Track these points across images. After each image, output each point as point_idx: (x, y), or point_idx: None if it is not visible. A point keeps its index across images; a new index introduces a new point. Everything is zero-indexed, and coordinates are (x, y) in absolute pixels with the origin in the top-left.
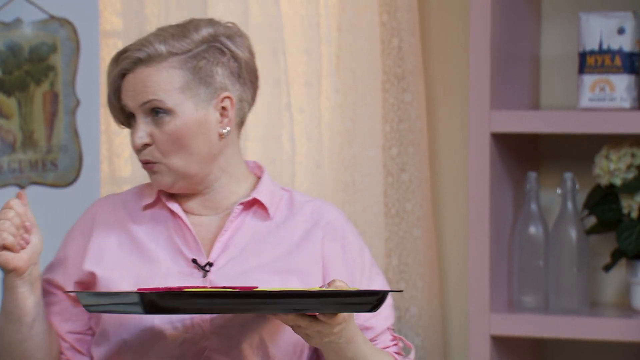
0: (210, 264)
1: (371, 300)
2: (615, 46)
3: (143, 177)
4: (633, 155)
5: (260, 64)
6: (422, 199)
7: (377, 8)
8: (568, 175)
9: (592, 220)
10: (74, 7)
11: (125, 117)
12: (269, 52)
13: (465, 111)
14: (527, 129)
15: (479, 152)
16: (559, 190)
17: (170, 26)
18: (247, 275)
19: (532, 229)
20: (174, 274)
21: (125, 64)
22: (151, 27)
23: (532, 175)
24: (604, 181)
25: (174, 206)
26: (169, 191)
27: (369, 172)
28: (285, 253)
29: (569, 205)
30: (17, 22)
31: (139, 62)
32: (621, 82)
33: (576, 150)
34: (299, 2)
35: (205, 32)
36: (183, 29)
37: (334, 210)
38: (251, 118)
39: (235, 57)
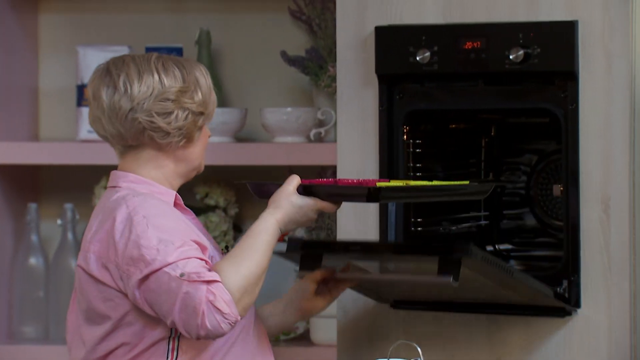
0: (227, 247)
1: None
2: None
3: None
4: None
5: None
6: None
7: None
8: (68, 206)
9: None
10: None
11: None
12: None
13: None
14: (27, 160)
15: None
16: (59, 221)
17: None
18: None
19: (33, 260)
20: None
21: None
22: None
23: (33, 206)
24: None
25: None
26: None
27: None
28: None
29: (70, 235)
30: None
31: None
32: None
33: (76, 181)
34: None
35: None
36: None
37: None
38: None
39: None
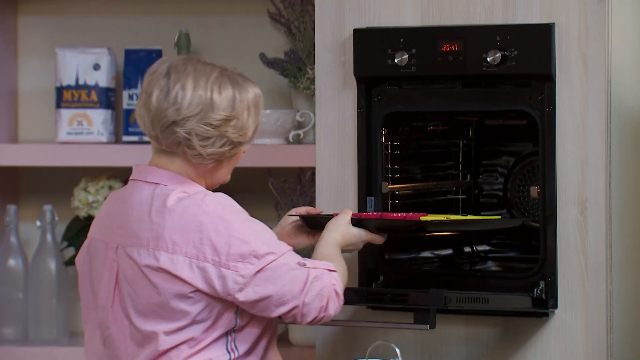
0: None
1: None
2: (91, 81)
3: None
4: (111, 188)
5: None
6: None
7: None
8: (48, 208)
9: (71, 252)
10: None
11: None
12: None
13: None
14: (6, 162)
15: None
16: (39, 223)
17: None
18: None
19: (12, 262)
20: None
21: None
22: None
23: (12, 208)
24: (83, 213)
25: None
26: None
27: None
28: None
29: (49, 237)
30: None
31: None
32: (98, 117)
33: (56, 182)
34: None
35: None
36: None
37: None
38: None
39: None
